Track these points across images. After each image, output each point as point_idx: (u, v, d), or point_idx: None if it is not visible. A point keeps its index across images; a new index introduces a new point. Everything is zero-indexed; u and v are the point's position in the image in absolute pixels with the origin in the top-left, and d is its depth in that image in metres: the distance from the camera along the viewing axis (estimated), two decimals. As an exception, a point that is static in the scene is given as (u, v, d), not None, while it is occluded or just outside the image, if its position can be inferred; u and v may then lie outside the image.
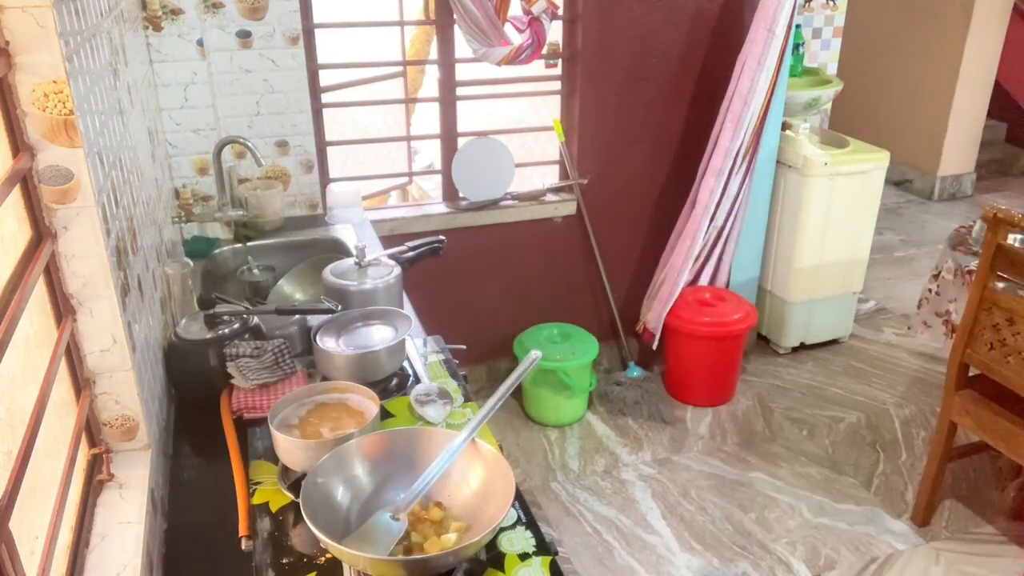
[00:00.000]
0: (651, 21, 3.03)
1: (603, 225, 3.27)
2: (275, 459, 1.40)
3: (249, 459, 1.45)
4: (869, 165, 3.35)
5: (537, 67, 3.13)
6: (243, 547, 1.25)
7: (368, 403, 1.44)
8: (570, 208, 3.22)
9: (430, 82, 4.58)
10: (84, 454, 1.27)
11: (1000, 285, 2.22)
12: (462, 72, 3.02)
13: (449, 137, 3.07)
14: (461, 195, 3.13)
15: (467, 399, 1.65)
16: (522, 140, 3.46)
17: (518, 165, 3.16)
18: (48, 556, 0.99)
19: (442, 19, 2.88)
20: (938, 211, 5.37)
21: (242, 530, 1.28)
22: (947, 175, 5.48)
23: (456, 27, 2.85)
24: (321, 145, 2.84)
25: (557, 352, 3.06)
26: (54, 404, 1.12)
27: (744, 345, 3.33)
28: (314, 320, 1.76)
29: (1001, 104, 5.74)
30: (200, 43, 2.44)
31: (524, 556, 1.22)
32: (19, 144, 1.11)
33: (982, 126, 5.43)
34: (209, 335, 1.64)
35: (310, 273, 2.05)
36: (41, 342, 1.12)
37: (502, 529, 1.26)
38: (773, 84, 3.04)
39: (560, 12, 2.97)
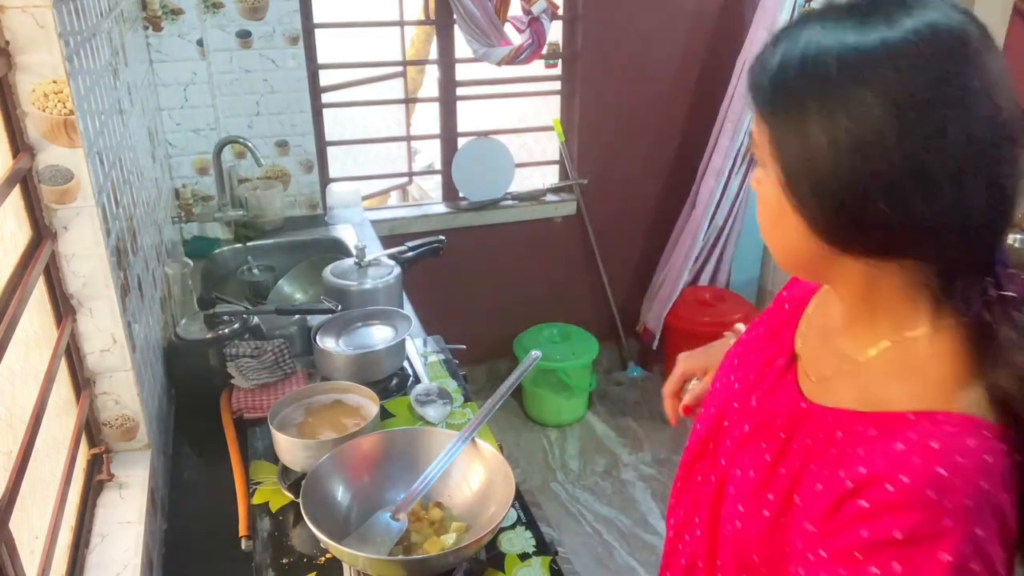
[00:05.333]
0: (651, 21, 3.03)
1: (603, 225, 3.27)
2: (275, 459, 1.40)
3: (249, 459, 1.45)
4: (869, 165, 3.34)
5: (537, 67, 3.13)
6: (243, 547, 1.25)
7: (368, 403, 1.44)
8: (570, 208, 3.22)
9: (430, 82, 4.58)
10: (84, 454, 1.27)
11: (1000, 285, 2.21)
12: (462, 72, 3.02)
13: (449, 137, 3.07)
14: (461, 195, 3.13)
15: (467, 399, 1.65)
16: (522, 140, 3.46)
17: (518, 165, 3.16)
18: (48, 556, 0.99)
19: (442, 19, 2.88)
20: (938, 211, 5.37)
21: (242, 530, 1.28)
22: (947, 175, 5.48)
23: (456, 27, 2.85)
24: (321, 145, 2.84)
25: (557, 352, 3.06)
26: (54, 404, 1.12)
27: (744, 345, 3.32)
28: (314, 320, 1.76)
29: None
30: (200, 43, 2.44)
31: (524, 556, 1.22)
32: (19, 144, 1.11)
33: (982, 126, 5.43)
34: (209, 335, 1.64)
35: (310, 273, 2.05)
36: (41, 342, 1.12)
37: (502, 529, 1.26)
38: (773, 84, 3.03)
39: (560, 12, 2.97)
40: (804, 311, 0.87)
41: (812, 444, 0.73)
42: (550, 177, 3.32)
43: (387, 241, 2.46)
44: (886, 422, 0.67)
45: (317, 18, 2.71)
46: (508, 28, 2.85)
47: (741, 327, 1.06)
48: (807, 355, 0.82)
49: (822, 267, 0.71)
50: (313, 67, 2.72)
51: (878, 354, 0.72)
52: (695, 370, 1.08)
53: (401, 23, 3.34)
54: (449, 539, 1.16)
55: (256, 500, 1.35)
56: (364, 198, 2.85)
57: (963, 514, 0.60)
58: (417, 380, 1.72)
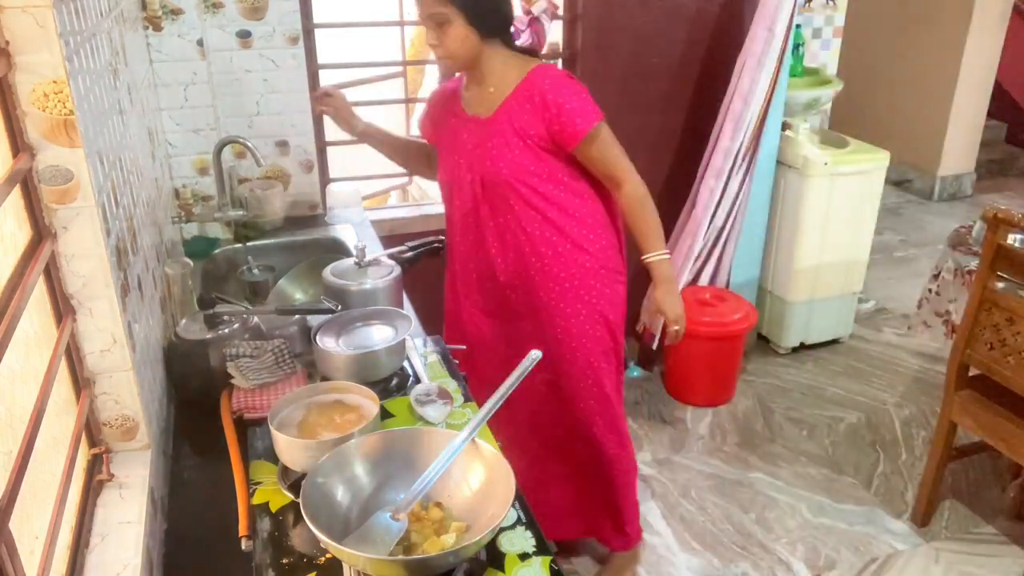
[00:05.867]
0: (651, 21, 3.03)
1: (603, 225, 3.27)
2: (275, 459, 1.39)
3: (249, 459, 1.45)
4: (869, 165, 3.35)
5: (537, 67, 3.13)
6: (243, 547, 1.25)
7: (368, 403, 1.44)
8: (570, 208, 3.21)
9: (430, 82, 4.58)
10: (84, 454, 1.28)
11: (1000, 285, 2.22)
12: (462, 72, 3.02)
13: (449, 137, 3.07)
14: (461, 195, 3.12)
15: (467, 399, 1.65)
16: (522, 140, 3.45)
17: (518, 165, 3.15)
18: (48, 556, 0.99)
19: (442, 19, 2.88)
20: (938, 211, 5.37)
21: (242, 530, 1.28)
22: (947, 175, 5.48)
23: (456, 27, 2.85)
24: (321, 145, 2.84)
25: (557, 352, 3.06)
26: (54, 404, 1.12)
27: (744, 345, 3.33)
28: (314, 320, 1.76)
29: (1001, 104, 5.74)
30: (200, 43, 2.44)
31: (524, 556, 1.22)
32: (19, 144, 1.11)
33: (982, 126, 5.43)
34: (209, 335, 1.64)
35: (310, 273, 2.05)
36: (41, 342, 1.13)
37: (502, 529, 1.26)
38: (773, 84, 3.04)
39: (560, 12, 2.97)
40: (449, 100, 2.01)
41: (508, 115, 1.88)
42: (550, 177, 3.32)
43: (387, 241, 2.46)
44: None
45: (317, 18, 2.71)
46: (508, 28, 2.85)
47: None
48: (473, 104, 1.94)
49: (475, 54, 1.81)
50: (313, 67, 2.72)
51: (499, 76, 1.87)
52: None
53: (401, 23, 3.34)
54: (449, 539, 1.16)
55: (256, 500, 1.35)
56: (364, 198, 2.85)
57: (571, 83, 1.88)
58: (417, 380, 1.71)
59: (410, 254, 2.01)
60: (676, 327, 2.05)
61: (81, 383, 1.27)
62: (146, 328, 1.52)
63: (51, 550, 1.01)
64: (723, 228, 3.23)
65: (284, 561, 1.22)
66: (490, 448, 1.26)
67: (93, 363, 1.28)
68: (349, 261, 1.90)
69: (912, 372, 3.52)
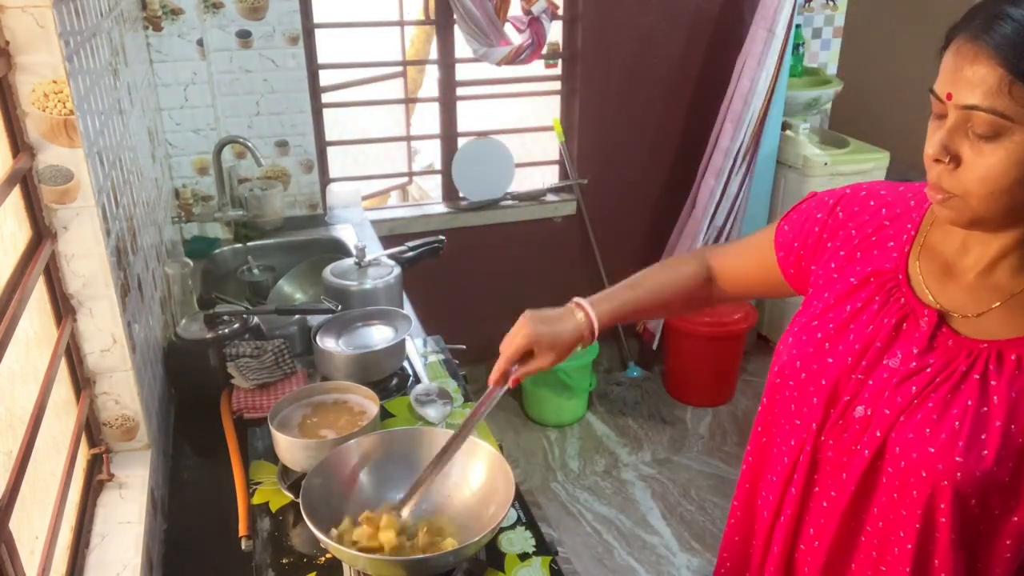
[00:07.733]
0: (651, 21, 3.03)
1: (603, 225, 3.27)
2: (275, 459, 1.40)
3: (249, 459, 1.45)
4: (869, 165, 3.36)
5: (537, 67, 3.13)
6: (243, 547, 1.25)
7: (368, 403, 1.44)
8: (570, 208, 3.22)
9: (430, 82, 4.58)
10: (84, 454, 1.27)
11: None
12: (462, 72, 3.02)
13: (449, 137, 3.07)
14: (461, 195, 3.13)
15: (467, 399, 1.65)
16: (522, 140, 3.46)
17: (518, 165, 3.16)
18: (48, 556, 0.99)
19: (442, 19, 2.88)
20: (938, 211, 5.36)
21: (242, 530, 1.28)
22: (947, 175, 5.47)
23: (456, 27, 2.85)
24: (321, 145, 2.84)
25: (557, 352, 3.06)
26: (54, 404, 1.12)
27: (744, 345, 3.33)
28: (314, 320, 1.76)
29: (1001, 104, 5.73)
30: (200, 43, 2.44)
31: (524, 556, 1.22)
32: (19, 144, 1.11)
33: (982, 126, 5.42)
34: (209, 335, 1.64)
35: (310, 273, 2.05)
36: (41, 342, 1.12)
37: (502, 529, 1.26)
38: (773, 84, 3.04)
39: (560, 12, 2.97)
40: (903, 275, 0.95)
41: (1013, 376, 0.84)
42: (550, 177, 3.32)
43: (387, 241, 2.46)
44: None
45: (317, 18, 2.71)
46: (508, 28, 2.85)
47: (582, 301, 1.18)
48: (954, 301, 0.91)
49: (1013, 203, 0.81)
50: (313, 67, 2.72)
51: (1013, 265, 0.87)
52: (540, 342, 1.11)
53: (401, 23, 3.35)
54: (449, 540, 1.16)
55: (256, 500, 1.35)
56: (364, 198, 2.85)
57: None
58: (417, 380, 1.72)
59: (410, 254, 2.01)
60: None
61: (81, 383, 1.27)
62: (146, 328, 1.52)
63: (51, 550, 1.01)
64: (723, 228, 3.23)
65: (284, 561, 1.22)
66: (490, 448, 1.26)
67: (93, 363, 1.28)
68: (349, 261, 1.90)
69: (912, 372, 3.51)
